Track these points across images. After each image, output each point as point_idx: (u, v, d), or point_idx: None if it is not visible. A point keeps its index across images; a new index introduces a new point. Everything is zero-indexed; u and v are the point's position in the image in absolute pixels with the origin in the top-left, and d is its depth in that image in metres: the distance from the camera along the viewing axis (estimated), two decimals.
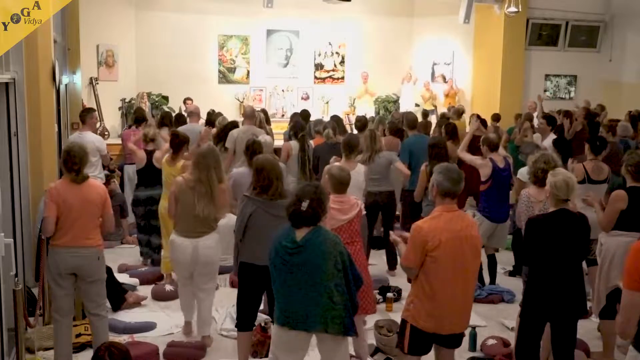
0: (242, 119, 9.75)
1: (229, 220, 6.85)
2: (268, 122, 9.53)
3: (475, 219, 6.93)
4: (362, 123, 9.09)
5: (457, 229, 3.95)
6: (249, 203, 4.66)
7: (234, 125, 8.41)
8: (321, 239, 3.81)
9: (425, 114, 11.88)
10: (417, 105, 14.53)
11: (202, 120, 9.86)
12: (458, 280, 3.96)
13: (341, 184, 4.84)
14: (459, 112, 11.43)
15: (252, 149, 6.12)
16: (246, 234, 4.64)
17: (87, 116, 7.90)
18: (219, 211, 5.37)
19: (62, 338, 4.86)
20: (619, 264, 5.15)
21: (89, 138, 7.52)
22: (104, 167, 8.97)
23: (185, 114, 9.85)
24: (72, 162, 4.70)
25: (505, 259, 7.56)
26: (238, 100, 14.40)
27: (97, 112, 8.66)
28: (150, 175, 7.38)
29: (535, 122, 10.53)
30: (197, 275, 5.42)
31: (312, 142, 8.18)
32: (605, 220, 5.27)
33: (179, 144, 6.66)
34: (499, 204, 6.73)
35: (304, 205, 3.78)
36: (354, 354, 5.19)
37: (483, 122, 10.06)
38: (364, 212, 5.04)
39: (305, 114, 10.06)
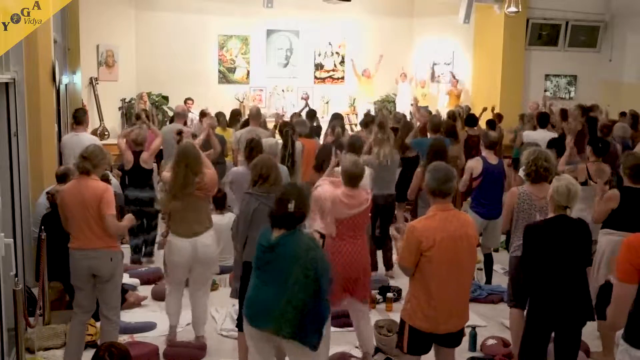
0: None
1: (228, 220, 6.86)
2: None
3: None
4: (367, 120, 9.12)
5: (452, 228, 3.94)
6: (252, 200, 4.67)
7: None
8: (294, 241, 3.79)
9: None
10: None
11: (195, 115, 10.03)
12: (453, 279, 3.95)
13: (351, 178, 4.92)
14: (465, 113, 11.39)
15: (250, 147, 6.09)
16: (249, 232, 4.63)
17: (83, 116, 7.78)
18: (207, 196, 5.33)
19: (75, 333, 4.86)
20: (607, 262, 5.16)
21: (86, 138, 7.41)
22: None
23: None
24: (84, 151, 4.80)
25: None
26: (238, 100, 14.40)
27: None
28: (138, 177, 7.43)
29: None
30: (196, 275, 5.40)
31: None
32: (596, 214, 5.45)
33: None
34: (490, 200, 6.74)
35: (291, 206, 3.80)
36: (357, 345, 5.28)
37: (472, 118, 10.09)
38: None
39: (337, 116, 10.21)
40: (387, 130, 7.27)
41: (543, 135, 9.03)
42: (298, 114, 10.76)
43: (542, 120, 9.51)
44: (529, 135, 9.37)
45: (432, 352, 4.24)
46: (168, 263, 5.42)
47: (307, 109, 11.50)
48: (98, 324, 5.18)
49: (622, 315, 3.03)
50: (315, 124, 10.22)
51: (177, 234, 5.25)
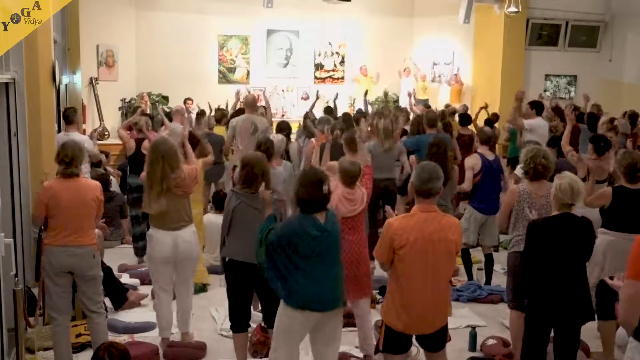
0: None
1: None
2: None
3: (465, 212, 7.03)
4: (357, 117, 9.35)
5: (430, 230, 3.90)
6: (233, 197, 4.69)
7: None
8: (335, 219, 4.03)
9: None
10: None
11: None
12: (427, 281, 3.91)
13: (350, 177, 4.98)
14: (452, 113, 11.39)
15: (264, 148, 5.90)
16: (230, 230, 4.65)
17: (74, 115, 7.58)
18: (184, 195, 5.20)
19: (60, 338, 4.86)
20: (599, 262, 5.12)
21: (76, 138, 7.35)
22: (98, 165, 8.90)
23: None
24: (64, 155, 4.76)
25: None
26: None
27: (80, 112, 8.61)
28: (139, 163, 7.34)
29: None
30: (179, 272, 5.34)
31: (313, 140, 8.10)
32: (587, 202, 5.29)
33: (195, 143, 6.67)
34: (489, 196, 6.75)
35: (326, 188, 3.88)
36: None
37: (466, 117, 10.12)
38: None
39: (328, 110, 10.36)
40: (387, 120, 7.45)
41: (540, 123, 9.10)
42: (310, 111, 10.63)
43: (538, 107, 9.53)
44: (529, 123, 9.40)
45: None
46: (151, 259, 5.32)
47: (318, 102, 11.39)
48: None
49: (635, 314, 3.02)
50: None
51: (157, 227, 5.18)
